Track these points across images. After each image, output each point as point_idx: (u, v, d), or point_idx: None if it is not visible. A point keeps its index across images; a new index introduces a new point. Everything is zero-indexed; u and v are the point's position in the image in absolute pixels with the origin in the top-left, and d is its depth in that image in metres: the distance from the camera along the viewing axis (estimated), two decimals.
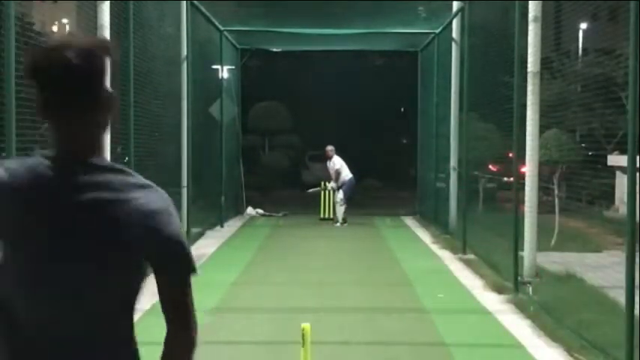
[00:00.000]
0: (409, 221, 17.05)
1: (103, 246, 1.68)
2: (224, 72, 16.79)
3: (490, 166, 13.46)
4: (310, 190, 17.72)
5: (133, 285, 1.80)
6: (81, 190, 1.68)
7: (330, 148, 16.48)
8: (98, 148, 1.77)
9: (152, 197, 1.73)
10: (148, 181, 1.77)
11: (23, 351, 1.69)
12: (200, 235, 13.32)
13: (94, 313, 1.71)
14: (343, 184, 16.11)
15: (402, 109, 31.09)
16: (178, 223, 1.78)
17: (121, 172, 1.74)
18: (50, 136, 1.77)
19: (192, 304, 1.82)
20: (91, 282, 1.68)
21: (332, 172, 16.40)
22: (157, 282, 1.79)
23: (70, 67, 1.70)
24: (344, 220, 16.02)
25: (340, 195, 16.07)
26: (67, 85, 1.72)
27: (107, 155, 6.97)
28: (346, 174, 16.25)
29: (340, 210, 16.09)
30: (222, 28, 15.89)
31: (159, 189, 1.78)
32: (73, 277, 1.67)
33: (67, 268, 1.66)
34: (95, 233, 1.67)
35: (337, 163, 16.29)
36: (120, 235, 1.68)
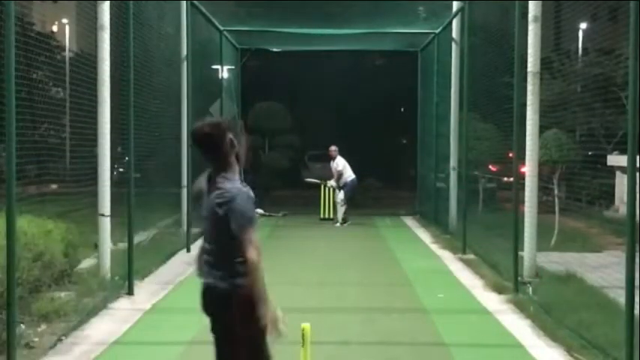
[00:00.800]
0: (409, 221, 17.05)
1: (214, 209, 3.79)
2: (224, 72, 16.79)
3: (490, 166, 13.46)
4: (309, 180, 17.77)
5: (229, 227, 3.78)
6: (215, 188, 3.79)
7: (333, 148, 16.46)
8: (227, 168, 3.83)
9: (234, 191, 3.76)
10: (236, 184, 3.82)
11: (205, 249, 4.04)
12: (200, 234, 13.31)
13: (225, 237, 3.81)
14: (345, 184, 16.12)
15: (402, 109, 31.07)
16: (243, 203, 3.78)
17: (230, 179, 3.82)
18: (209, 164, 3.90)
19: (251, 241, 3.84)
20: (215, 224, 3.85)
21: (334, 172, 16.41)
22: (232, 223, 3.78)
23: (206, 136, 3.82)
24: (344, 220, 16.02)
25: (341, 195, 16.09)
26: (207, 145, 3.83)
27: (108, 155, 7.12)
28: (349, 175, 16.24)
29: (341, 210, 16.11)
30: (222, 28, 15.89)
31: (241, 188, 3.81)
32: (210, 222, 3.92)
33: (208, 219, 3.92)
34: (211, 205, 3.81)
35: (340, 163, 16.28)
36: (217, 204, 3.77)
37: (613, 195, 14.33)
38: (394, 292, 8.83)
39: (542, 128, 9.59)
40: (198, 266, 4.16)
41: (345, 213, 16.09)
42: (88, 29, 10.66)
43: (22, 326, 6.28)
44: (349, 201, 16.22)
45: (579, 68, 15.59)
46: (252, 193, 3.84)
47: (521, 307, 7.64)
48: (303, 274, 10.14)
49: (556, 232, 11.28)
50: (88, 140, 9.05)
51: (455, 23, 13.59)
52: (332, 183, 16.53)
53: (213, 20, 14.96)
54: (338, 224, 15.97)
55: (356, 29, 16.19)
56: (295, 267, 10.71)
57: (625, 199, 5.73)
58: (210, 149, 3.84)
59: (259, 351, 4.24)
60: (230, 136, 3.83)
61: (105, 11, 8.32)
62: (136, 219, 8.81)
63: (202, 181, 3.95)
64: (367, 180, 24.48)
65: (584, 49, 17.56)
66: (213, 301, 4.08)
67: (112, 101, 8.43)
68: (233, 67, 18.25)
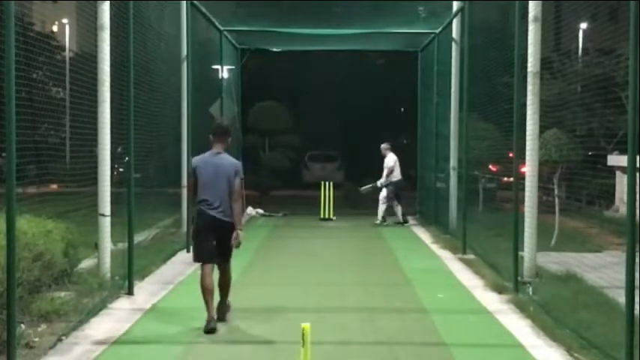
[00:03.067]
0: (409, 221, 17.03)
1: (230, 172, 6.86)
2: (224, 72, 16.79)
3: (490, 166, 13.46)
4: (363, 188, 17.32)
5: (232, 183, 6.85)
6: (221, 160, 6.94)
7: (383, 146, 16.28)
8: (226, 149, 7.10)
9: (235, 160, 7.09)
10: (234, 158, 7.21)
11: (207, 195, 6.84)
12: None
13: (225, 190, 6.82)
14: (390, 183, 15.98)
15: (402, 109, 31.07)
16: (240, 165, 7.05)
17: (229, 156, 7.11)
18: (215, 142, 7.09)
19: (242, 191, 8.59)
20: (229, 182, 6.83)
21: (385, 169, 16.11)
22: (234, 181, 6.87)
23: (223, 128, 7.28)
24: (384, 219, 15.89)
25: (383, 193, 15.96)
26: (223, 134, 7.12)
27: (108, 155, 7.50)
28: (396, 174, 16.03)
29: (381, 208, 15.94)
30: (222, 28, 15.89)
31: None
32: (223, 181, 6.83)
33: (221, 178, 6.83)
34: (228, 169, 6.88)
35: (390, 160, 15.99)
36: (231, 169, 6.88)
37: (613, 195, 14.34)
38: (394, 292, 8.83)
39: (542, 128, 9.59)
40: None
41: (385, 212, 15.92)
42: (88, 29, 10.66)
43: (22, 326, 6.28)
44: (391, 200, 15.94)
45: (579, 68, 15.58)
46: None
47: (521, 307, 7.64)
48: (303, 274, 10.14)
49: (556, 232, 11.28)
50: (88, 140, 9.05)
51: (455, 23, 13.59)
52: (381, 181, 16.27)
53: (213, 20, 14.96)
54: (378, 221, 15.80)
55: (356, 29, 16.19)
56: (295, 267, 10.72)
57: (625, 199, 5.73)
58: (223, 136, 7.08)
59: None
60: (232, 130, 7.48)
61: (105, 11, 8.32)
62: (136, 219, 8.81)
63: (206, 155, 7.06)
64: (367, 180, 24.49)
65: (584, 49, 17.56)
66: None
67: (112, 101, 8.43)
68: (233, 67, 18.25)
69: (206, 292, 6.81)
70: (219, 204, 6.79)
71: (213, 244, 6.89)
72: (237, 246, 6.87)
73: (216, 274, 6.99)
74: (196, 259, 7.03)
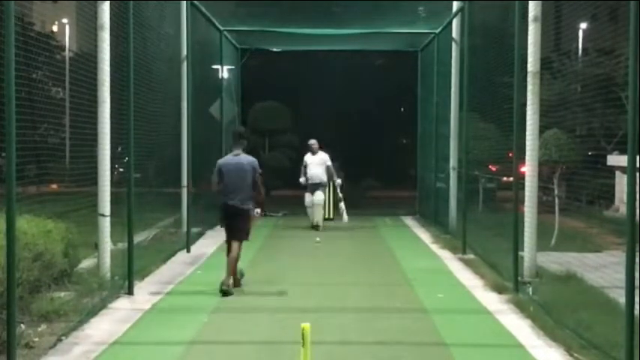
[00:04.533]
0: (409, 221, 17.05)
1: (247, 169, 8.66)
2: (224, 72, 16.78)
3: (490, 166, 13.46)
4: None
5: (253, 179, 8.70)
6: (239, 159, 8.72)
7: (311, 142, 16.39)
8: (244, 149, 8.86)
9: (251, 158, 8.84)
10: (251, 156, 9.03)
11: (229, 189, 8.66)
12: (200, 235, 13.32)
13: (247, 184, 8.66)
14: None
15: (402, 109, 31.07)
16: (256, 162, 8.88)
17: (247, 154, 8.88)
18: (233, 145, 8.95)
19: (262, 183, 9.11)
20: (246, 177, 8.65)
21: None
22: (254, 177, 8.76)
23: (238, 134, 9.07)
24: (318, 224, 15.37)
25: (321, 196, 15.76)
26: (238, 137, 8.96)
27: (108, 155, 7.52)
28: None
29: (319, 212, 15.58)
30: (222, 28, 15.89)
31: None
32: (242, 176, 8.64)
33: (240, 174, 8.64)
34: (245, 166, 8.67)
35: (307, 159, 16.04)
36: (248, 166, 8.68)
37: (613, 195, 14.34)
38: (394, 292, 8.83)
39: (542, 128, 9.58)
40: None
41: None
42: (88, 29, 10.66)
43: (22, 326, 6.28)
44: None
45: (579, 68, 15.59)
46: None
47: (521, 307, 7.64)
48: (303, 274, 10.14)
49: (556, 232, 11.28)
50: (87, 140, 9.05)
51: (455, 23, 13.59)
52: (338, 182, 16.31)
53: (213, 20, 14.97)
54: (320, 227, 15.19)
55: (356, 29, 16.18)
56: (295, 267, 10.71)
57: (625, 199, 5.73)
58: (241, 139, 8.84)
59: None
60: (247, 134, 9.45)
61: (105, 11, 8.32)
62: (136, 219, 8.81)
63: (229, 157, 8.87)
64: (367, 180, 24.49)
65: (584, 49, 17.56)
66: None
67: (112, 101, 8.43)
68: (233, 67, 18.24)
69: (230, 261, 8.60)
70: (237, 195, 8.60)
71: (234, 225, 8.72)
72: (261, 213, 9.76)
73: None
74: (226, 237, 8.88)
